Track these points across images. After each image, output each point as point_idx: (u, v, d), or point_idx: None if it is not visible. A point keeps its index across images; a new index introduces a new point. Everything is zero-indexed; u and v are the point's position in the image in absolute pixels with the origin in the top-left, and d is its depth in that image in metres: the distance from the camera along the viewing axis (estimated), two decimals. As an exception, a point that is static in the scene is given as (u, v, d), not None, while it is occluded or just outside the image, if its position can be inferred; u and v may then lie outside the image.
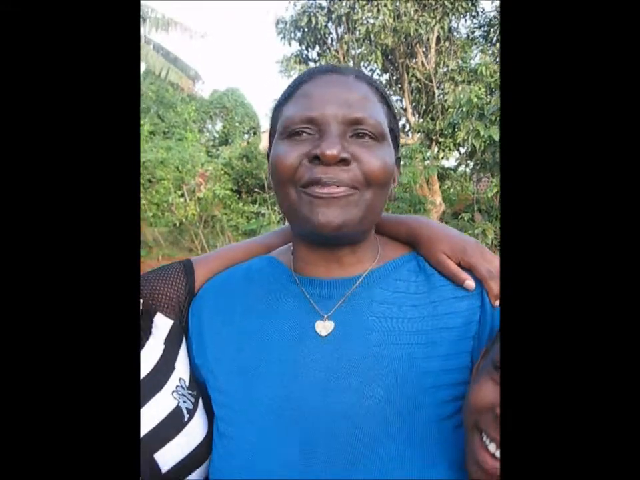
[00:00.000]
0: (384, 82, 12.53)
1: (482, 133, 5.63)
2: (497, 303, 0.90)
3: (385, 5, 10.02)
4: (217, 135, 23.09)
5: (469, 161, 9.13)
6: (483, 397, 0.75)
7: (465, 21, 11.87)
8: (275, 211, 9.66)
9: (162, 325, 0.99)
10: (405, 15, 10.12)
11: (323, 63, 12.23)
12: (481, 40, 12.21)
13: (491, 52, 11.46)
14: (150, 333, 0.96)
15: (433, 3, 10.21)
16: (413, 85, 11.89)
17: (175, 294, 1.02)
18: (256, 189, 12.59)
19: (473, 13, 11.67)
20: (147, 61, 11.65)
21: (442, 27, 10.46)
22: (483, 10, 11.83)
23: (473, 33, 12.18)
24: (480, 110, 5.87)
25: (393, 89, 12.35)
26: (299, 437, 0.85)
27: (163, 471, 0.84)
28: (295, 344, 0.91)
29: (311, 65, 12.71)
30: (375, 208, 0.88)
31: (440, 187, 10.87)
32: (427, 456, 0.83)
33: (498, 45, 11.13)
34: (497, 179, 6.04)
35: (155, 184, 11.48)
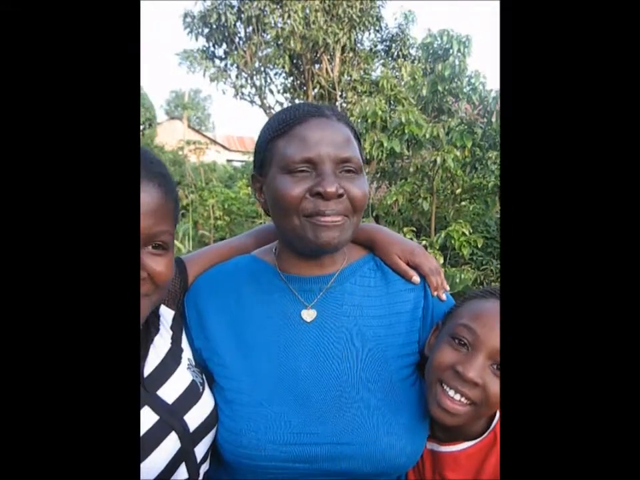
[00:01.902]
0: (289, 86, 12.74)
1: (385, 144, 5.99)
2: (436, 293, 1.20)
3: (296, 12, 10.25)
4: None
5: (366, 169, 9.54)
6: (444, 359, 1.04)
7: (369, 34, 12.37)
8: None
9: (167, 314, 1.16)
10: (314, 24, 10.41)
11: (229, 62, 12.24)
12: (382, 53, 12.76)
13: (391, 65, 12.01)
14: (159, 322, 1.12)
15: (342, 15, 10.57)
16: (316, 91, 12.19)
17: (172, 288, 1.18)
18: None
19: (377, 28, 12.20)
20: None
21: (348, 38, 10.86)
22: (387, 25, 12.41)
23: (375, 46, 12.71)
24: (383, 122, 6.24)
25: (297, 93, 12.58)
26: (294, 397, 1.08)
27: (191, 430, 1.01)
28: (285, 328, 1.14)
29: (217, 62, 12.66)
30: (357, 227, 1.13)
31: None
32: (394, 406, 1.08)
33: (399, 60, 11.70)
34: (395, 187, 6.40)
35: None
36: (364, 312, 1.16)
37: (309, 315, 1.15)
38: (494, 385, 1.00)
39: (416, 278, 1.19)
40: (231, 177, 15.36)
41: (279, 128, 1.09)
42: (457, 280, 5.28)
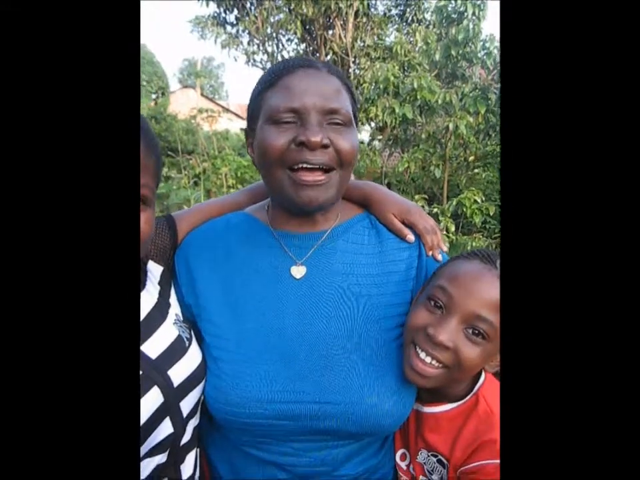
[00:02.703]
0: (301, 52, 12.57)
1: (397, 110, 5.92)
2: (431, 252, 1.18)
3: (307, -25, 10.06)
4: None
5: (379, 136, 9.45)
6: (418, 320, 1.03)
7: (383, -2, 12.13)
8: (186, 175, 9.56)
9: (155, 270, 1.16)
10: (327, -13, 10.20)
11: (241, 28, 12.08)
12: (397, 18, 12.51)
13: (405, 31, 11.78)
14: (147, 277, 1.13)
15: (355, -23, 10.36)
16: (329, 57, 12.01)
17: (162, 244, 1.18)
18: (167, 152, 12.31)
19: (391, -9, 11.94)
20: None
21: (361, 2, 10.64)
22: (401, -12, 12.13)
23: (389, 11, 12.45)
24: (396, 88, 6.16)
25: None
26: (280, 355, 1.07)
27: (175, 385, 1.02)
28: (274, 284, 1.13)
29: (229, 28, 12.51)
30: (345, 184, 1.11)
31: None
32: (380, 367, 1.07)
33: (413, 25, 11.47)
34: (407, 155, 6.34)
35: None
36: (355, 270, 1.14)
37: (298, 271, 1.13)
38: (467, 350, 0.98)
39: (410, 236, 1.18)
40: (244, 145, 15.24)
41: (268, 80, 1.08)
42: (469, 248, 5.26)
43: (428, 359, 1.00)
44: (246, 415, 1.03)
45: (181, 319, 1.14)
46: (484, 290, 0.98)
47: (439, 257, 1.18)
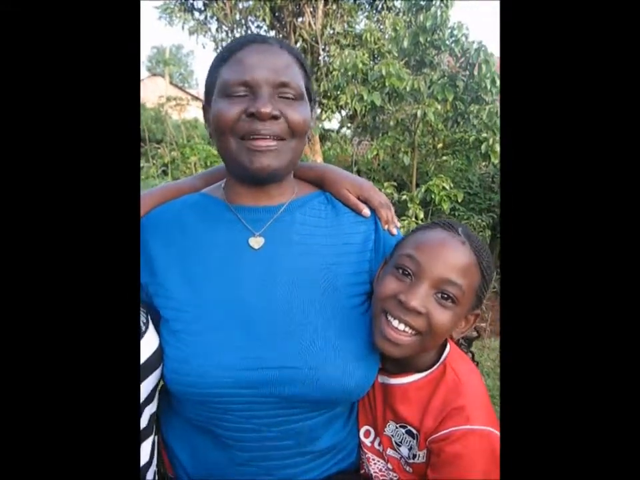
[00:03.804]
0: (270, 39, 12.44)
1: (365, 97, 5.90)
2: (386, 226, 1.21)
3: (275, -38, 9.94)
4: (90, 81, 21.57)
5: (349, 124, 9.44)
6: (388, 289, 1.05)
7: (353, -15, 12.05)
8: (154, 164, 9.42)
9: None
10: (295, -26, 10.11)
11: (209, 15, 11.91)
12: (366, 6, 12.46)
13: (375, 19, 11.76)
14: None
15: (323, -36, 10.28)
16: (299, 44, 11.93)
17: None
18: (135, 141, 12.09)
19: (361, -21, 11.88)
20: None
21: (331, -11, 10.58)
22: (371, -25, 12.07)
23: (359, -2, 12.39)
24: (364, 75, 6.13)
25: (280, 47, 12.30)
26: (241, 324, 1.07)
27: None
28: (232, 256, 1.13)
29: (197, 15, 12.32)
30: (297, 154, 1.12)
31: (321, 147, 11.16)
32: (342, 333, 1.09)
33: (383, 12, 11.45)
34: (376, 142, 6.34)
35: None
36: (314, 240, 1.17)
37: (256, 242, 1.15)
38: (438, 314, 1.01)
39: (366, 211, 1.21)
40: (213, 133, 15.11)
41: (221, 56, 1.10)
42: (437, 234, 5.27)
43: (401, 326, 1.03)
44: (207, 385, 1.03)
45: None
46: (450, 255, 1.02)
47: (394, 231, 1.23)
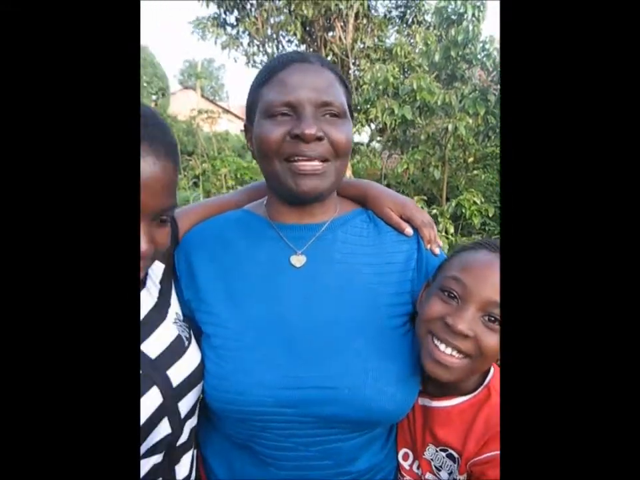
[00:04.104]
0: (301, 53, 12.54)
1: (396, 111, 5.91)
2: (429, 246, 1.20)
3: (307, -23, 10.05)
4: (123, 94, 21.98)
5: (379, 137, 9.44)
6: (434, 311, 1.03)
7: (383, 0, 12.12)
8: (185, 176, 9.55)
9: (156, 268, 1.16)
10: (327, -11, 10.19)
11: (241, 30, 12.08)
12: (397, 20, 12.50)
13: (406, 33, 11.78)
14: (147, 276, 1.12)
15: (355, -21, 10.34)
16: (330, 58, 12.01)
17: None
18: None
19: (391, -7, 11.93)
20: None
21: (361, 4, 10.64)
22: (401, -10, 12.11)
23: (390, 12, 12.43)
24: (395, 89, 6.15)
25: (310, 61, 12.39)
26: (282, 342, 1.07)
27: (174, 385, 1.02)
28: (274, 274, 1.14)
29: (229, 29, 12.50)
30: (341, 173, 1.12)
31: (350, 160, 11.17)
32: (383, 354, 1.08)
33: (413, 26, 11.47)
34: (406, 156, 6.33)
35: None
36: (356, 259, 1.16)
37: (298, 260, 1.15)
38: (487, 337, 0.99)
39: (409, 230, 1.20)
40: (244, 146, 15.27)
41: (263, 76, 1.10)
42: (468, 249, 5.21)
43: (448, 350, 1.01)
44: (246, 403, 1.03)
45: (181, 318, 1.14)
46: (497, 277, 0.99)
47: (437, 251, 1.21)
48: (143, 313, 1.05)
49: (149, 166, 0.87)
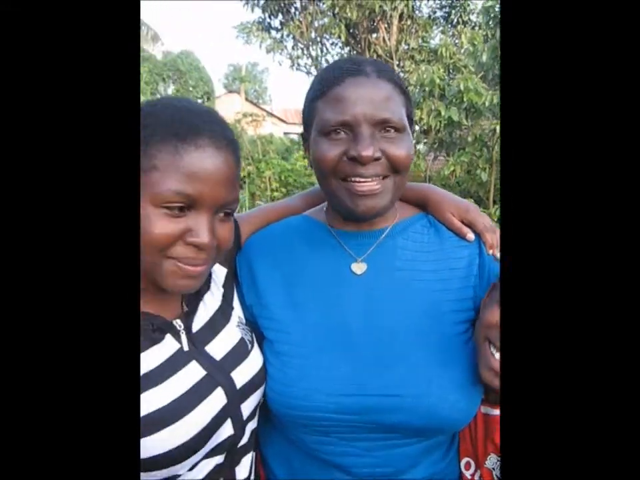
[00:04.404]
0: (345, 56, 12.58)
1: (442, 113, 5.86)
2: (491, 251, 1.16)
3: (352, -21, 10.06)
4: (169, 98, 22.41)
5: (424, 139, 9.36)
6: (493, 318, 0.99)
7: (428, 0, 12.01)
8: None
9: (219, 272, 1.18)
10: (371, -9, 10.18)
11: (285, 33, 12.19)
12: (441, 20, 12.38)
13: (451, 33, 11.66)
14: (211, 279, 1.14)
15: (399, -20, 10.31)
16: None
17: None
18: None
19: (436, -7, 11.84)
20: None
21: (406, 5, 10.58)
22: (446, -9, 12.00)
23: (434, 13, 12.34)
24: (442, 91, 6.10)
25: (354, 63, 12.40)
26: (344, 349, 1.07)
27: (237, 387, 1.03)
28: (335, 281, 1.14)
29: (273, 33, 12.63)
30: (401, 187, 1.11)
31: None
32: (445, 361, 1.06)
33: (458, 26, 11.34)
34: (452, 158, 6.26)
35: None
36: (417, 266, 1.14)
37: (359, 267, 1.14)
38: None
39: (470, 235, 1.17)
40: (288, 149, 15.41)
41: (318, 89, 1.08)
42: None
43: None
44: (311, 408, 1.04)
45: (244, 321, 1.16)
46: None
47: (499, 256, 1.17)
48: (208, 315, 1.08)
49: (209, 157, 0.89)
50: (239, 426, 1.05)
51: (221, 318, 1.10)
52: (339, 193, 1.06)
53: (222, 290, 1.16)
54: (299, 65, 12.83)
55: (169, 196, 0.87)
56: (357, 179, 1.03)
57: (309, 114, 1.12)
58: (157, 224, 0.88)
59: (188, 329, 1.02)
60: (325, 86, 1.07)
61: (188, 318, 1.04)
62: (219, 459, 1.04)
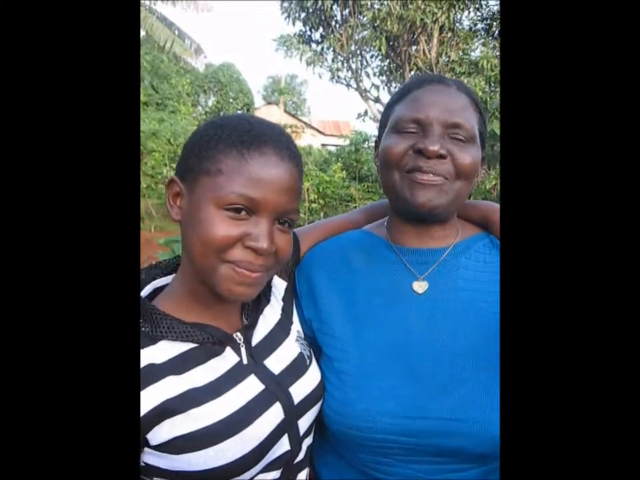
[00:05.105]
0: (385, 68, 12.60)
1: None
2: None
3: (393, -8, 10.09)
4: (209, 110, 22.84)
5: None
6: None
7: (469, 12, 11.93)
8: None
9: (279, 285, 1.19)
10: (412, 4, 10.18)
11: (326, 45, 12.27)
12: (482, 32, 12.27)
13: (492, 45, 11.55)
14: (270, 292, 1.16)
15: (440, -7, 10.29)
16: (413, 73, 11.96)
17: None
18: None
19: (477, 5, 11.75)
20: (152, 32, 11.43)
21: (447, 17, 10.55)
22: (487, 3, 11.90)
23: (475, 25, 12.22)
24: (484, 103, 6.06)
25: (394, 76, 12.42)
26: (405, 368, 1.07)
27: (295, 402, 1.04)
28: (396, 300, 1.13)
29: (314, 46, 12.73)
30: (461, 195, 1.11)
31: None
32: None
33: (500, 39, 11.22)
34: (495, 172, 6.20)
35: (146, 155, 11.32)
36: (480, 287, 1.13)
37: (420, 286, 1.14)
38: None
39: None
40: (326, 160, 15.44)
41: (399, 93, 1.14)
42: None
43: None
44: (370, 430, 1.03)
45: (302, 336, 1.16)
46: None
47: None
48: (268, 328, 1.09)
49: (273, 165, 0.91)
50: (296, 441, 1.05)
51: (280, 332, 1.10)
52: (399, 185, 1.08)
53: (282, 303, 1.16)
54: (339, 77, 12.89)
55: (232, 198, 0.89)
56: (420, 173, 1.05)
57: (384, 118, 1.16)
58: (218, 225, 0.90)
59: (248, 342, 1.03)
60: (406, 91, 1.12)
61: (248, 331, 1.05)
62: (275, 474, 1.04)
